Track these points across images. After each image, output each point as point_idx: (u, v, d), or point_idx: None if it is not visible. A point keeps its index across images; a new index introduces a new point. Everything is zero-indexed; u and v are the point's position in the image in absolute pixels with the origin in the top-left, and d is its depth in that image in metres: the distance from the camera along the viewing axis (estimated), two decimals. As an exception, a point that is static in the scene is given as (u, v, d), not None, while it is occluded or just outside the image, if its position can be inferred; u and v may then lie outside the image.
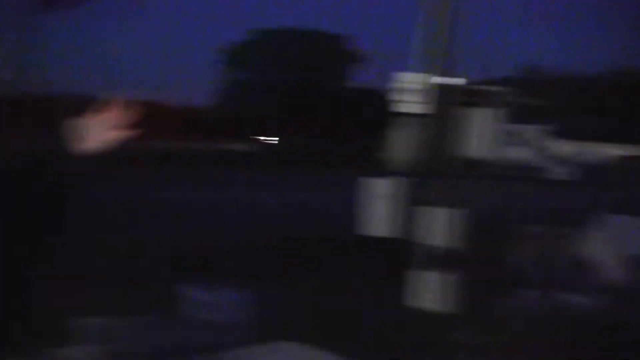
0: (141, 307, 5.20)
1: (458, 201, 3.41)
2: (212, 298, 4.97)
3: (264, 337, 4.14)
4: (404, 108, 3.47)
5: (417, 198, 3.49)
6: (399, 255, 3.54)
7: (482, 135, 3.42)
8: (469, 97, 3.51)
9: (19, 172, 1.96)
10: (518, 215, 5.60)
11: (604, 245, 4.30)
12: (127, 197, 12.68)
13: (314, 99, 51.72)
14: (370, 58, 52.39)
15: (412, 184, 3.50)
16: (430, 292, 3.36)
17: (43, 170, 2.01)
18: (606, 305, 4.42)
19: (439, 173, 3.44)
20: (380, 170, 3.50)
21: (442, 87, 3.47)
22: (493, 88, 3.48)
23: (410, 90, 3.45)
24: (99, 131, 2.11)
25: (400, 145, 3.44)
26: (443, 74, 3.46)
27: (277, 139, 52.39)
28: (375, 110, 3.62)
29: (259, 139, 50.84)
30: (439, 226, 3.36)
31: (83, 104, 2.08)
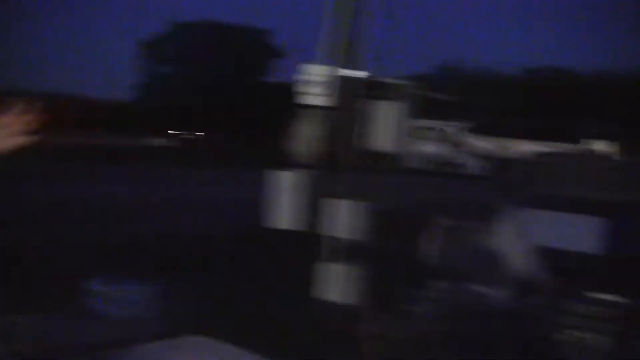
0: (50, 303, 5.10)
1: (365, 194, 3.47)
2: (121, 293, 4.92)
3: (174, 331, 4.12)
4: (311, 101, 3.50)
5: (324, 191, 3.53)
6: (307, 248, 3.58)
7: (388, 128, 3.48)
8: (376, 90, 3.56)
9: None
10: (427, 208, 5.74)
11: (516, 239, 4.43)
12: (39, 193, 12.37)
13: (229, 93, 51.38)
14: (286, 51, 52.37)
15: (319, 177, 3.53)
16: (339, 285, 3.41)
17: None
18: (516, 298, 4.57)
19: (345, 166, 3.48)
20: (288, 163, 3.52)
21: (349, 80, 3.51)
22: (401, 82, 3.53)
23: (318, 83, 3.48)
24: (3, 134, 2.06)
25: (308, 138, 3.47)
26: (350, 66, 3.50)
27: (192, 133, 51.86)
28: (287, 104, 3.64)
29: (175, 134, 50.17)
30: (346, 219, 3.41)
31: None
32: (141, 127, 44.72)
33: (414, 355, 4.97)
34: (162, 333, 4.09)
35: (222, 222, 10.93)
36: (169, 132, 48.70)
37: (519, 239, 4.42)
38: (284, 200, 3.47)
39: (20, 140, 2.08)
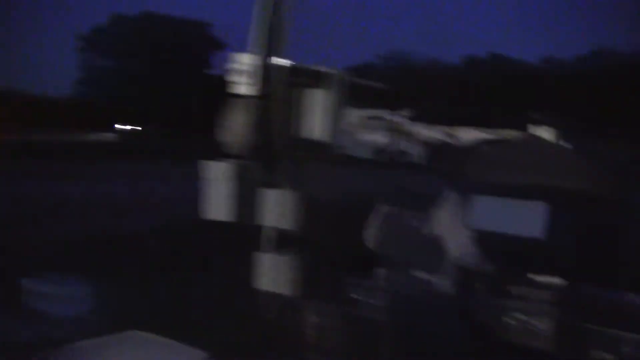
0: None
1: (300, 184, 3.46)
2: (59, 292, 4.84)
3: (112, 326, 4.07)
4: (242, 91, 3.47)
5: (260, 181, 3.50)
6: (244, 239, 3.56)
7: (321, 117, 3.46)
8: (307, 79, 3.55)
9: None
10: (365, 197, 5.74)
11: (457, 226, 4.46)
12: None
13: (164, 86, 50.81)
14: (221, 43, 51.85)
15: (253, 167, 3.51)
16: (278, 276, 3.39)
17: None
18: (459, 284, 4.60)
19: (280, 155, 3.47)
20: (222, 154, 3.49)
21: (279, 69, 3.48)
22: (333, 70, 3.52)
23: (248, 72, 3.45)
24: None
25: (241, 129, 3.44)
26: (280, 55, 3.48)
27: (130, 127, 51.19)
28: (221, 95, 3.60)
29: (113, 129, 49.45)
30: (282, 209, 3.39)
31: None
32: (77, 123, 44.04)
33: (355, 343, 5.00)
34: (102, 329, 4.03)
35: (159, 217, 10.88)
36: (106, 127, 48.03)
37: (461, 225, 4.46)
38: (219, 192, 3.44)
39: None
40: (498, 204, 5.81)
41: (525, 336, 4.75)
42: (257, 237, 3.48)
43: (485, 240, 5.19)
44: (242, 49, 3.54)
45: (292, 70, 3.48)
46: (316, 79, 3.49)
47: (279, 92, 3.40)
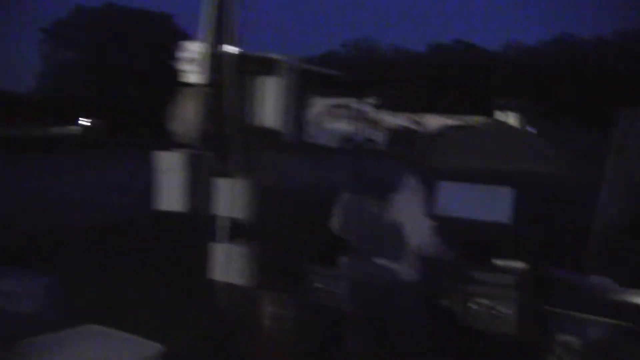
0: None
1: (252, 172, 3.38)
2: (13, 287, 4.71)
3: (70, 321, 3.98)
4: (193, 79, 3.38)
5: (213, 170, 3.42)
6: (199, 230, 3.48)
7: (275, 105, 3.39)
8: (260, 67, 3.47)
9: None
10: (324, 186, 5.68)
11: (422, 212, 4.41)
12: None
13: (121, 78, 50.33)
14: (187, 34, 51.25)
15: (206, 157, 3.42)
16: (231, 265, 3.32)
17: None
18: (423, 270, 4.57)
19: (233, 144, 3.38)
20: (175, 143, 3.40)
21: (232, 57, 3.39)
22: (286, 58, 3.44)
23: (199, 60, 3.36)
24: None
25: (191, 117, 3.35)
26: (232, 43, 3.39)
27: (88, 120, 50.65)
28: (173, 84, 3.51)
29: (72, 122, 48.92)
30: (237, 199, 3.32)
31: None
32: (35, 117, 43.61)
33: (317, 334, 4.95)
34: (58, 324, 3.94)
35: (113, 210, 10.78)
36: (65, 120, 47.59)
37: (425, 211, 4.41)
38: (172, 182, 3.35)
39: None
40: (463, 189, 5.80)
41: (491, 322, 4.74)
42: (211, 228, 3.40)
43: (451, 226, 5.18)
44: (192, 36, 3.45)
45: (243, 58, 3.40)
46: (269, 67, 3.41)
47: (230, 81, 3.32)
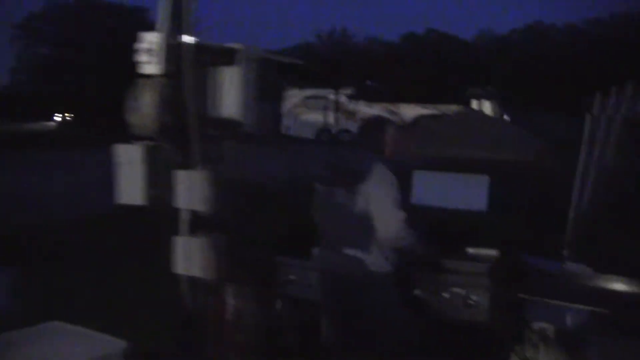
0: None
1: (213, 163, 3.28)
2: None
3: (32, 318, 3.86)
4: (152, 70, 3.27)
5: (174, 163, 3.32)
6: (161, 223, 3.38)
7: (236, 96, 3.29)
8: (220, 57, 3.37)
9: None
10: (292, 177, 5.61)
11: (394, 201, 4.33)
12: None
13: (88, 73, 49.81)
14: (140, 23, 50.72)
15: (165, 148, 3.32)
16: (194, 259, 3.22)
17: None
18: (395, 260, 4.50)
19: (192, 136, 3.28)
20: (134, 136, 3.30)
21: (190, 47, 3.29)
22: (247, 48, 3.34)
23: (157, 51, 3.25)
24: None
25: (150, 109, 3.25)
26: (189, 33, 3.28)
27: (60, 116, 50.22)
28: (132, 76, 3.42)
29: (42, 118, 48.51)
30: (195, 190, 3.21)
31: None
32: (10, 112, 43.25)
33: (284, 327, 4.88)
34: (19, 321, 3.83)
35: (75, 206, 10.70)
36: (36, 116, 47.27)
37: (398, 201, 4.33)
38: (132, 176, 3.24)
39: None
40: (439, 178, 5.76)
41: (465, 311, 4.70)
42: (173, 221, 3.30)
43: (426, 214, 5.13)
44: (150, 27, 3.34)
45: (201, 48, 3.30)
46: (228, 57, 3.31)
47: (189, 71, 3.22)
